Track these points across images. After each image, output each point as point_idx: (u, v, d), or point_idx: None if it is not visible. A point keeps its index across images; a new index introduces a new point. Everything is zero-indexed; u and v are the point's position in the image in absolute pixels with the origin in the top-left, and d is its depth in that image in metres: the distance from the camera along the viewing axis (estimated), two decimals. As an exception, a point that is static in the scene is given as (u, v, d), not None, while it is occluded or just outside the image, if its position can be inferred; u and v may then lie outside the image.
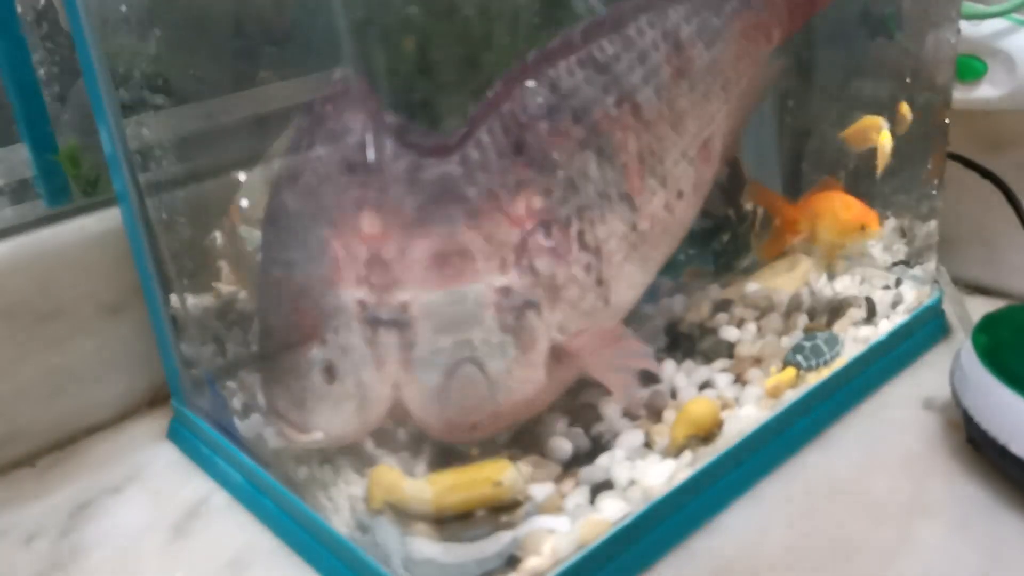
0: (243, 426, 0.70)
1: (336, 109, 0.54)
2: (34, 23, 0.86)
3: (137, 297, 0.79)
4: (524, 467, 0.60)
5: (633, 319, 0.68)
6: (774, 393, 0.72)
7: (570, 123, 0.58)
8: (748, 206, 0.84)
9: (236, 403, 0.71)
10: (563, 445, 0.66)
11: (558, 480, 0.64)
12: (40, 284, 0.77)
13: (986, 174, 0.85)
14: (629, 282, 0.65)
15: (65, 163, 0.84)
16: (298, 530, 0.64)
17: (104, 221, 0.79)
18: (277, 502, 0.66)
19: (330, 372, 0.56)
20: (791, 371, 0.73)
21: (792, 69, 0.81)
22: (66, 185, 0.84)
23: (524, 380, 0.59)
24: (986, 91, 0.82)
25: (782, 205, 0.80)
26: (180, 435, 0.78)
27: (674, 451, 0.66)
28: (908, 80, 0.81)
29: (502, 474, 0.59)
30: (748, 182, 0.83)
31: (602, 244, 0.62)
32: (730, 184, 0.83)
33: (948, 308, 0.85)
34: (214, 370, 0.73)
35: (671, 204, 0.65)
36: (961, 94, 0.83)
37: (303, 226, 0.56)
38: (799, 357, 0.74)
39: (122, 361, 0.81)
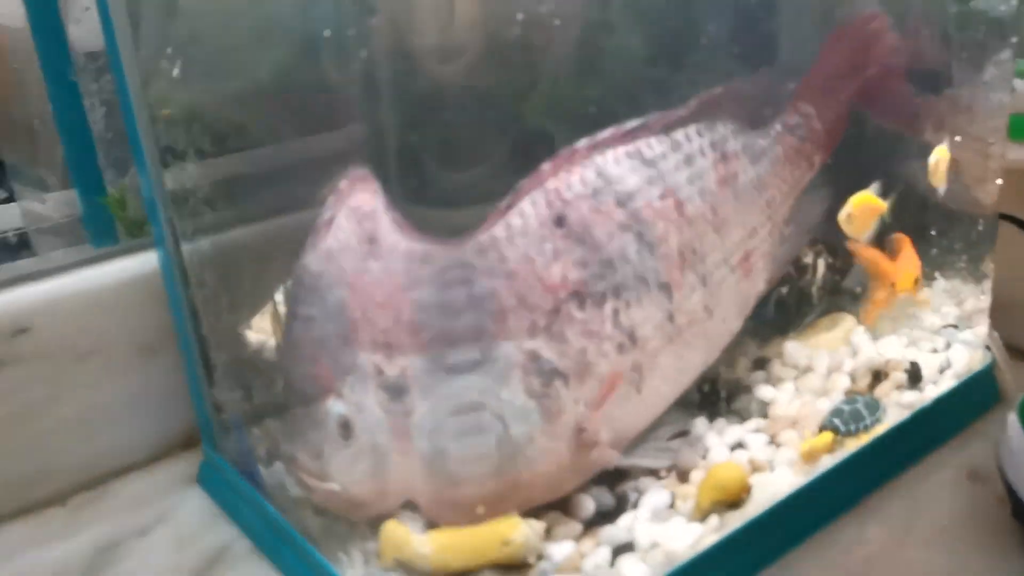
0: (266, 474, 0.70)
1: (355, 189, 0.58)
2: (85, 66, 0.89)
3: (173, 339, 0.79)
4: (537, 524, 0.58)
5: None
6: (809, 458, 0.68)
7: (612, 206, 0.61)
8: (807, 259, 0.82)
9: (261, 450, 0.71)
10: (586, 503, 0.64)
11: (578, 539, 0.62)
12: (79, 324, 0.78)
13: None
14: (663, 376, 0.65)
15: (112, 206, 0.86)
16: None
17: (145, 263, 0.80)
18: (296, 553, 0.65)
19: (346, 427, 0.57)
20: (828, 436, 0.70)
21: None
22: (112, 227, 0.86)
23: (546, 451, 0.59)
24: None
25: (886, 264, 0.78)
26: (209, 480, 0.78)
27: (700, 515, 0.63)
28: (958, 139, 0.78)
29: (512, 532, 0.58)
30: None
31: (636, 328, 0.62)
32: None
33: (1000, 375, 0.81)
34: (241, 416, 0.73)
35: (710, 306, 0.67)
36: (1016, 154, 0.80)
37: (324, 286, 0.58)
38: (837, 421, 0.70)
39: (156, 402, 0.81)
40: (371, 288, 0.56)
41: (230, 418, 0.74)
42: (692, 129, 0.67)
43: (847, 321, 0.82)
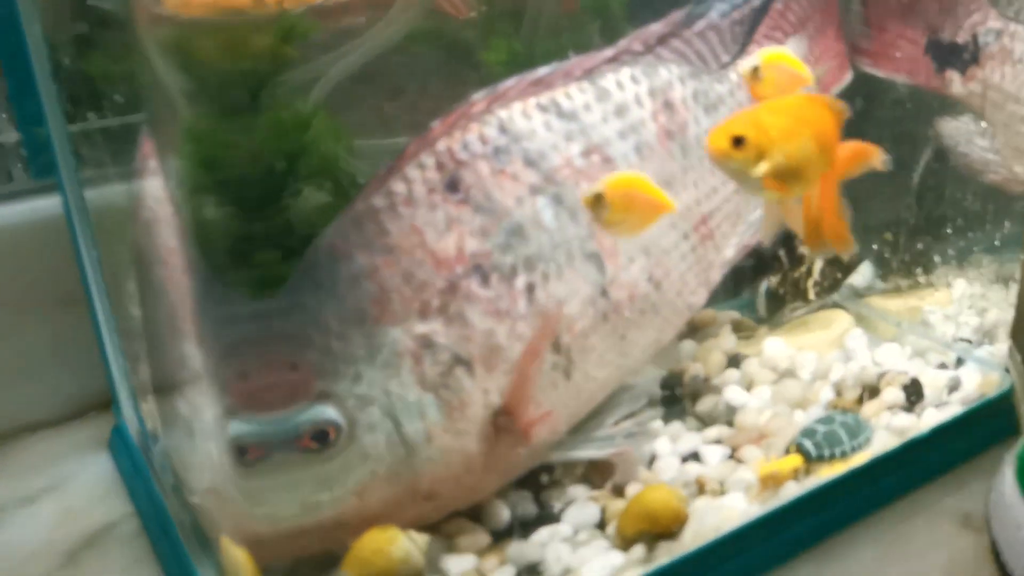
0: (153, 453, 0.62)
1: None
2: None
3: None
4: (420, 538, 0.49)
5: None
6: (769, 483, 0.56)
7: (520, 166, 0.53)
8: (803, 249, 0.70)
9: (150, 426, 0.63)
10: (500, 511, 0.55)
11: (483, 553, 0.53)
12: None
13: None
14: (599, 358, 0.56)
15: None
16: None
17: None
18: (170, 544, 0.58)
19: (327, 433, 0.48)
20: (795, 459, 0.57)
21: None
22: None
23: (450, 451, 0.51)
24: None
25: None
26: (116, 447, 0.70)
27: (622, 544, 0.53)
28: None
29: (390, 546, 0.49)
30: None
31: (559, 305, 0.54)
32: None
33: (1020, 405, 0.67)
34: (134, 386, 0.65)
35: (657, 278, 0.58)
36: None
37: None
38: (808, 443, 0.58)
39: (74, 357, 0.73)
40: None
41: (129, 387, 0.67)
42: (625, 74, 0.58)
43: (843, 320, 0.70)
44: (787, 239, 0.69)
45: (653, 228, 0.56)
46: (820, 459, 0.57)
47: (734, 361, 0.68)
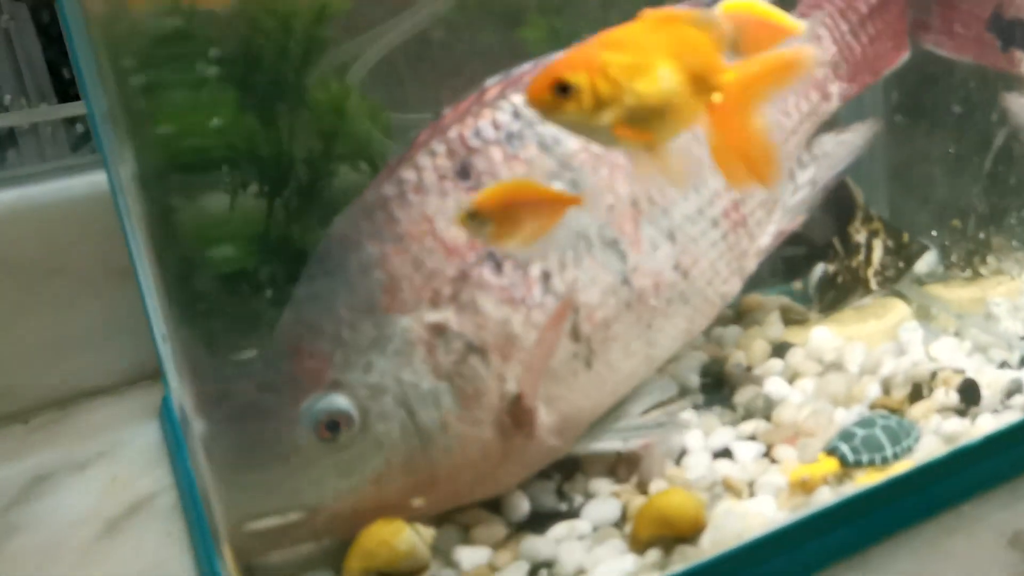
0: (186, 431, 0.63)
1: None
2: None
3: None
4: (426, 531, 0.49)
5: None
6: (801, 488, 0.53)
7: (535, 151, 0.51)
8: (859, 237, 0.66)
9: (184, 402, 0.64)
10: (520, 502, 0.54)
11: (498, 546, 0.52)
12: (48, 238, 0.72)
13: None
14: (623, 348, 0.54)
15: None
16: (204, 555, 0.56)
17: (122, 179, 0.74)
18: (199, 521, 0.58)
19: (340, 424, 0.48)
20: (830, 463, 0.54)
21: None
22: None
23: (466, 440, 0.50)
24: None
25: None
26: (166, 417, 0.72)
27: (637, 547, 0.50)
28: None
29: (395, 539, 0.48)
30: (861, 208, 0.64)
31: (577, 293, 0.52)
32: (836, 208, 0.66)
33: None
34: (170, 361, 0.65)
35: (685, 267, 0.55)
36: None
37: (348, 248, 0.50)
38: (844, 447, 0.54)
39: (130, 327, 0.76)
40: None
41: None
42: None
43: (899, 309, 0.65)
44: (841, 226, 0.65)
45: (678, 214, 0.54)
46: (857, 465, 0.53)
47: (779, 350, 0.65)
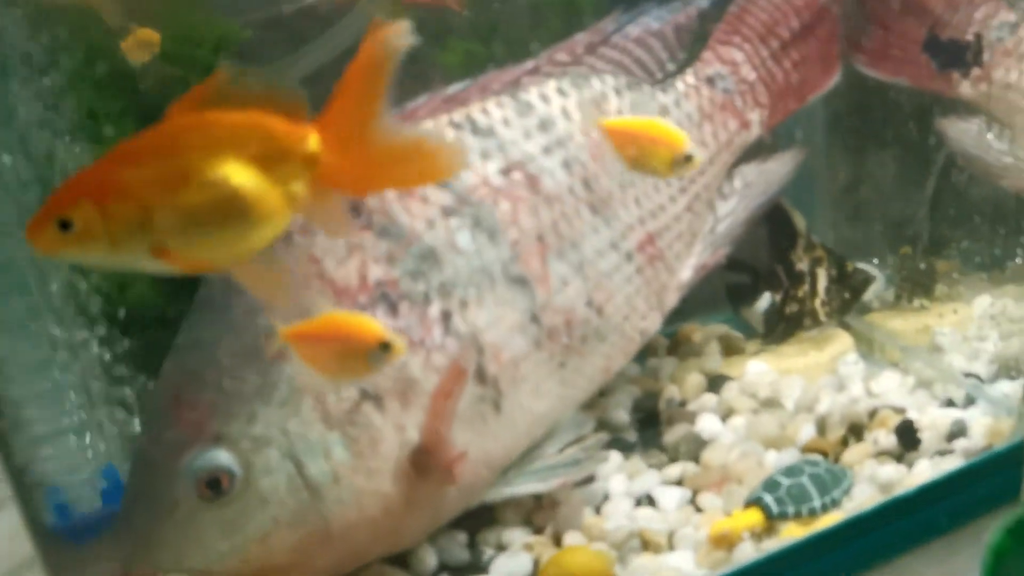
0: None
1: None
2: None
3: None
4: None
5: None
6: (720, 543, 0.49)
7: (430, 187, 0.48)
8: (802, 265, 0.63)
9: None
10: (427, 556, 0.51)
11: None
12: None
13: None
14: (535, 389, 0.51)
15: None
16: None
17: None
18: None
19: (221, 482, 0.44)
20: (754, 515, 0.50)
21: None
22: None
23: (362, 493, 0.46)
24: None
25: None
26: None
27: (540, 610, 0.48)
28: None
29: None
30: (803, 236, 0.62)
31: (481, 333, 0.49)
32: (777, 234, 0.63)
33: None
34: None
35: (599, 303, 0.52)
36: None
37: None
38: (768, 498, 0.50)
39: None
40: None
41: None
42: (551, 87, 0.52)
43: (841, 341, 0.61)
44: (783, 254, 0.62)
45: (589, 248, 0.51)
46: (782, 517, 0.49)
47: (715, 384, 0.61)
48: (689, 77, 0.57)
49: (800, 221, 0.61)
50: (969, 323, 0.60)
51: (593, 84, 0.53)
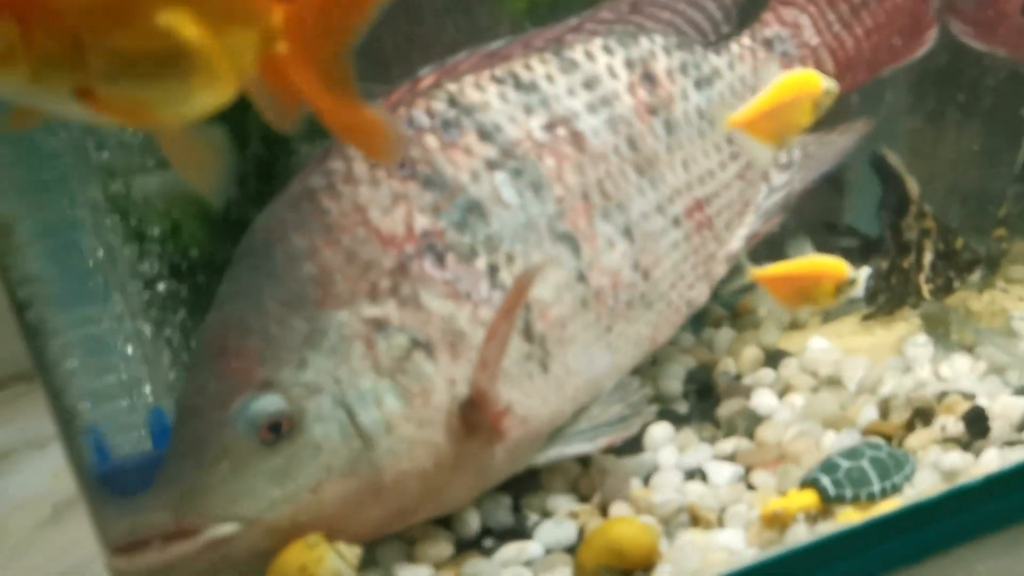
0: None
1: None
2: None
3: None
4: (350, 552, 0.43)
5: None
6: (773, 522, 0.47)
7: (474, 139, 0.48)
8: (911, 235, 0.60)
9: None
10: (470, 518, 0.50)
11: (441, 566, 0.48)
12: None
13: None
14: (583, 350, 0.50)
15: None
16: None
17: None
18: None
19: (280, 425, 0.44)
20: (809, 496, 0.47)
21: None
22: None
23: (414, 443, 0.46)
24: None
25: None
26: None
27: (583, 578, 0.46)
28: None
29: (318, 566, 0.43)
30: (915, 203, 0.59)
31: (526, 275, 0.47)
32: (889, 198, 0.61)
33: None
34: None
35: (645, 267, 0.52)
36: None
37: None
38: (826, 480, 0.47)
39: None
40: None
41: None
42: (597, 44, 0.52)
43: (909, 321, 0.58)
44: (893, 221, 0.59)
45: (635, 210, 0.50)
46: (839, 500, 0.47)
47: (772, 359, 0.58)
48: (745, 39, 0.56)
49: (914, 186, 0.59)
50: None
51: (641, 43, 0.52)
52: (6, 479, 0.61)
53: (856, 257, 0.61)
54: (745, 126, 0.48)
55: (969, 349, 0.56)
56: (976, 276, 0.60)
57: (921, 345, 0.56)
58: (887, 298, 0.60)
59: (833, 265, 0.49)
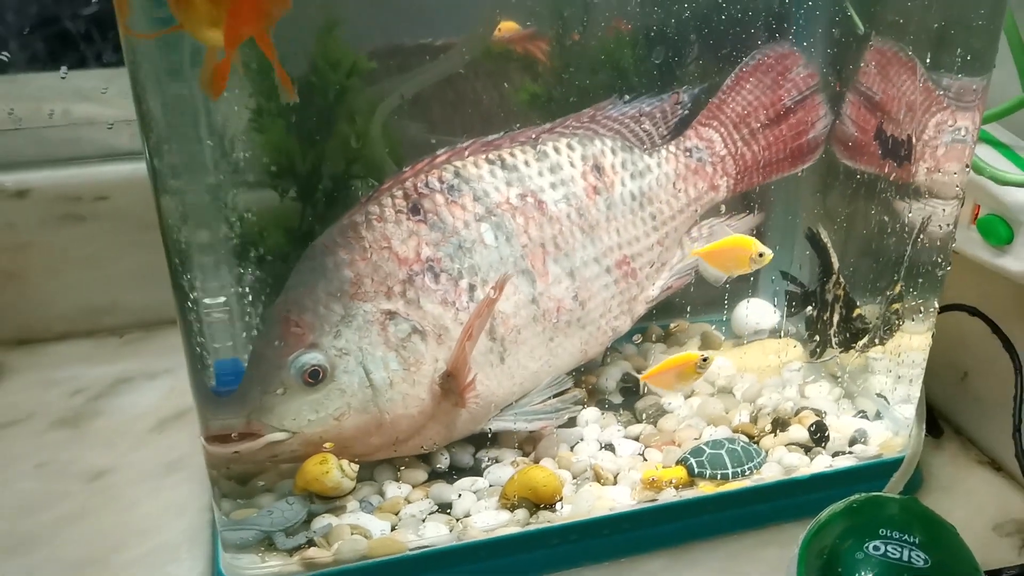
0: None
1: None
2: None
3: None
4: (349, 467, 0.62)
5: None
6: (649, 486, 0.64)
7: (469, 199, 0.65)
8: (829, 297, 0.73)
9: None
10: (442, 457, 0.67)
11: (417, 486, 0.66)
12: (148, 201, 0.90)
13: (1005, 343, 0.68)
14: (530, 352, 0.67)
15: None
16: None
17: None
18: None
19: (316, 374, 0.62)
20: (678, 471, 0.64)
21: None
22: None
23: (407, 396, 0.63)
24: (1009, 262, 0.65)
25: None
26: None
27: (506, 505, 0.63)
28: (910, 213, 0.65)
29: (325, 476, 0.62)
30: (835, 273, 0.73)
31: (490, 296, 0.64)
32: (820, 264, 0.73)
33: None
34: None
35: (582, 298, 0.68)
36: (988, 256, 0.66)
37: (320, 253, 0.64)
38: (692, 460, 0.64)
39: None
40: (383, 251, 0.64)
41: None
42: (563, 142, 0.69)
43: (795, 351, 0.72)
44: (821, 281, 0.72)
45: (578, 258, 0.67)
46: (700, 476, 0.64)
47: (688, 370, 0.74)
48: (672, 147, 0.71)
49: (835, 259, 0.71)
50: (898, 352, 0.70)
51: (595, 143, 0.68)
52: (126, 398, 0.82)
53: (798, 300, 0.75)
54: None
55: (836, 378, 0.71)
56: (864, 342, 0.72)
57: (795, 370, 0.71)
58: (817, 343, 0.72)
59: (749, 241, 0.65)
